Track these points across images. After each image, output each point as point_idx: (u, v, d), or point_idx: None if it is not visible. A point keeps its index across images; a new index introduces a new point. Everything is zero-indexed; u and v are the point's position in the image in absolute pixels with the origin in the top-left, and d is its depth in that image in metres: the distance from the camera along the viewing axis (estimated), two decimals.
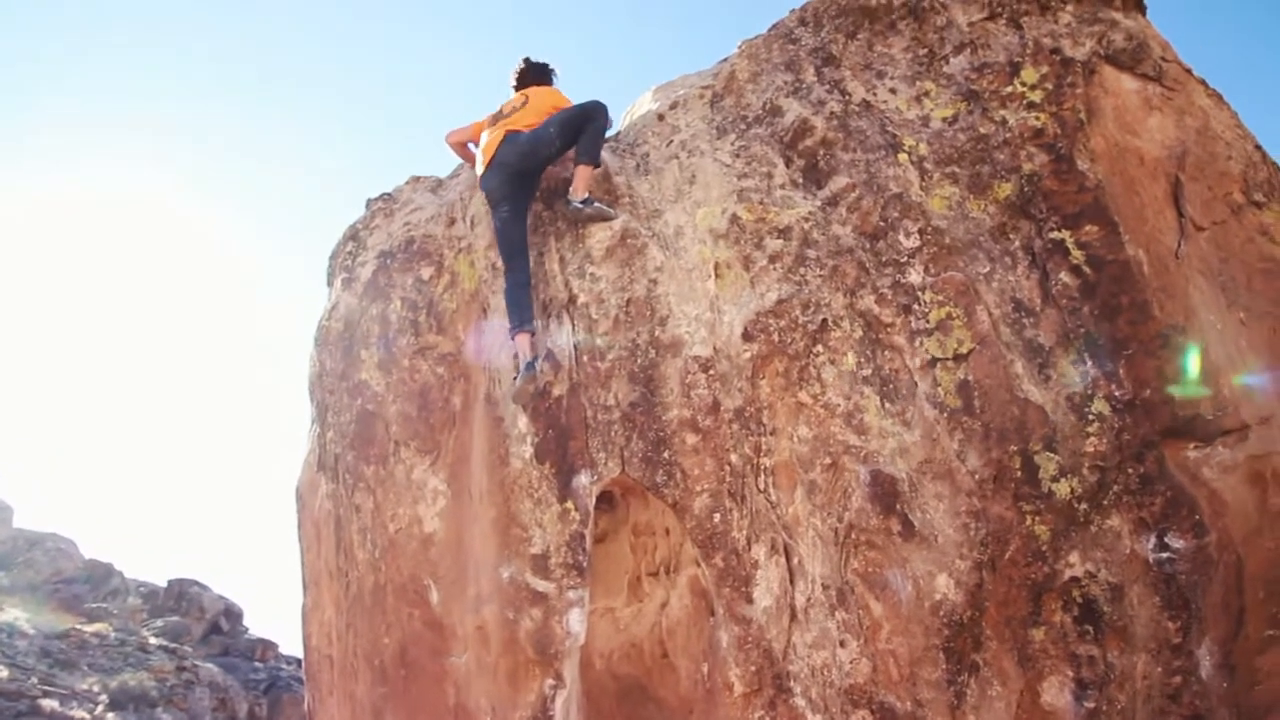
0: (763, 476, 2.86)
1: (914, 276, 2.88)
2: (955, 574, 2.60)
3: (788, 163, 3.23)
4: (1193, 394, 2.58)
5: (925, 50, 3.25)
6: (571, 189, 3.28)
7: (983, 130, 3.01)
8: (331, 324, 3.78)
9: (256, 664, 14.30)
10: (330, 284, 4.02)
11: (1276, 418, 2.65)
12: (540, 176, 3.41)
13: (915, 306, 2.84)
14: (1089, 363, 2.66)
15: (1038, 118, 2.96)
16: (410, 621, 3.21)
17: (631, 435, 2.98)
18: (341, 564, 3.53)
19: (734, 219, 3.13)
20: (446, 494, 3.30)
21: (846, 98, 3.23)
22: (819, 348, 2.88)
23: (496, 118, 3.58)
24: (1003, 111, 3.01)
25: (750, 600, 2.77)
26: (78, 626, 11.97)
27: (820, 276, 2.96)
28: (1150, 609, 2.51)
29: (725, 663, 2.76)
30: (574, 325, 3.17)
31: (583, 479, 2.98)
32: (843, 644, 2.66)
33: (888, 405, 2.78)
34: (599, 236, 3.25)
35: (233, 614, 15.37)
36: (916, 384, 2.78)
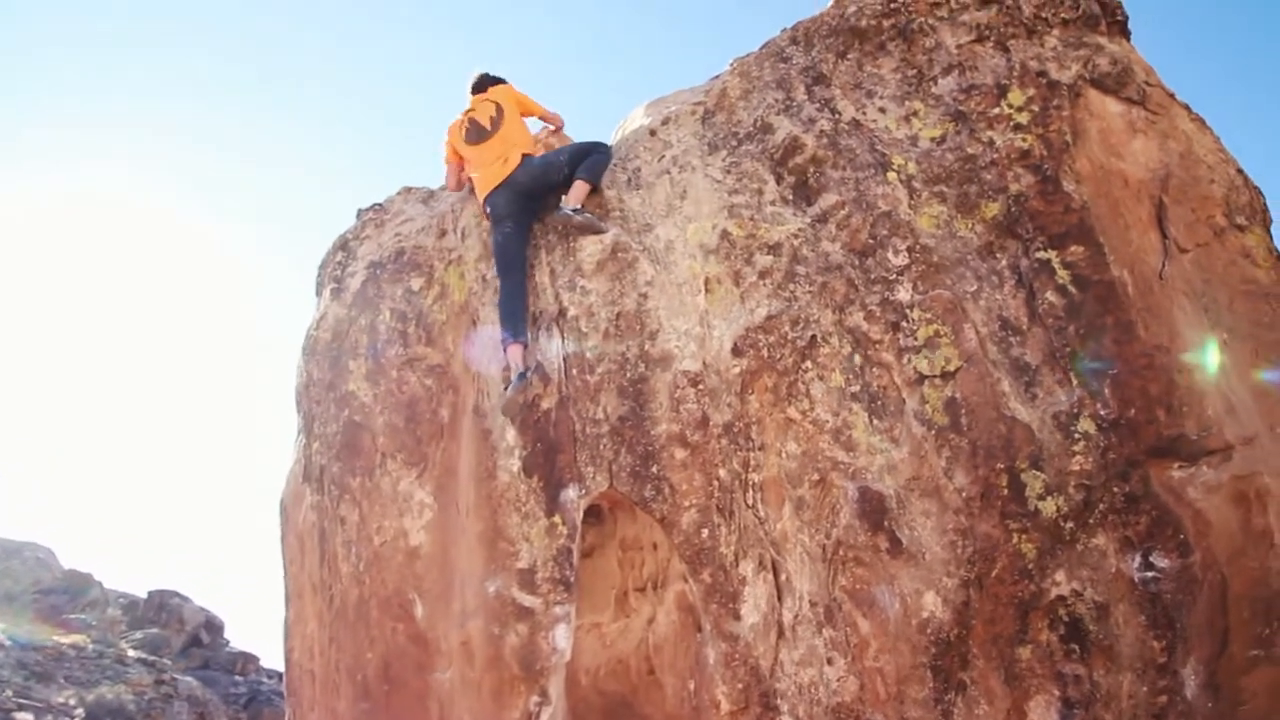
0: (751, 492, 2.86)
1: (902, 294, 2.90)
2: (943, 592, 2.60)
3: (778, 179, 3.26)
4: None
5: (914, 71, 3.30)
6: (565, 198, 3.32)
7: (970, 150, 3.05)
8: (320, 334, 3.76)
9: (237, 678, 14.06)
10: (319, 293, 4.00)
11: (1260, 438, 2.68)
12: (545, 199, 3.45)
13: (903, 324, 2.86)
14: (1075, 382, 2.68)
15: (1024, 139, 3.00)
16: (394, 636, 3.17)
17: (620, 449, 2.97)
18: (325, 577, 3.49)
19: (724, 234, 3.15)
20: (433, 507, 3.28)
21: (836, 116, 3.27)
22: (808, 364, 2.89)
23: (478, 133, 3.62)
24: (990, 132, 3.05)
25: (738, 617, 2.76)
26: (55, 638, 11.74)
27: (810, 293, 2.98)
28: (1136, 628, 2.51)
29: (712, 680, 2.74)
30: (564, 338, 3.17)
31: (570, 493, 2.97)
32: (830, 662, 2.64)
33: (876, 422, 2.79)
34: (590, 250, 3.26)
35: (214, 626, 15.12)
36: (904, 401, 2.79)
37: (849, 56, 3.41)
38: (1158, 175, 3.02)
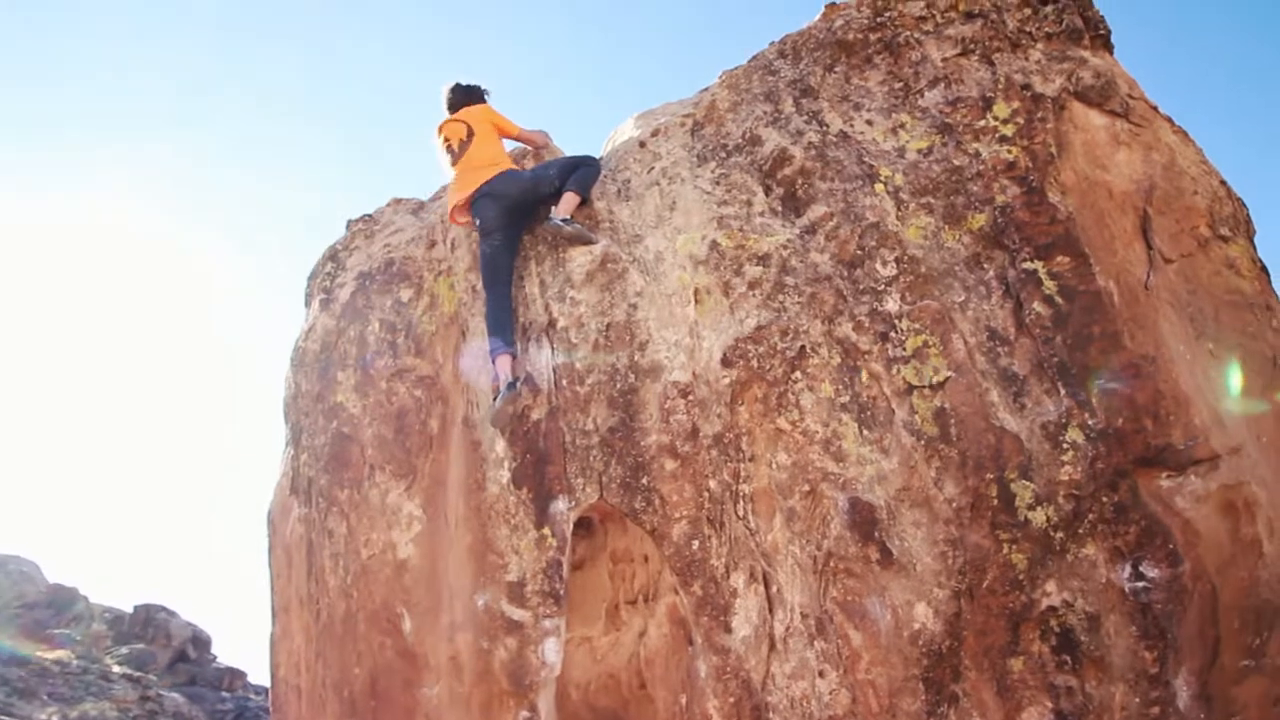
0: (741, 503, 2.85)
1: (891, 304, 2.91)
2: (934, 603, 2.59)
3: (767, 191, 3.27)
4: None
5: (901, 84, 3.33)
6: (555, 209, 3.32)
7: (957, 162, 3.07)
8: (308, 345, 3.74)
9: (224, 694, 13.85)
10: (308, 304, 3.98)
11: (1246, 447, 2.69)
12: (534, 212, 3.44)
13: (892, 334, 2.87)
14: (1062, 391, 2.69)
15: (1010, 151, 3.03)
16: (382, 651, 3.13)
17: (610, 460, 2.95)
18: (312, 591, 3.45)
19: (714, 245, 3.15)
20: (422, 519, 3.25)
21: (824, 128, 3.30)
22: (797, 374, 2.89)
23: (452, 155, 3.60)
24: (976, 144, 3.08)
25: (729, 629, 2.74)
26: (38, 653, 11.54)
27: (799, 303, 2.98)
28: (1127, 639, 2.51)
29: (704, 694, 2.72)
30: (553, 349, 3.16)
31: (560, 505, 2.95)
32: (822, 674, 2.62)
33: (865, 432, 2.78)
34: (579, 260, 3.26)
35: (201, 641, 14.91)
36: (894, 411, 2.80)
37: (836, 69, 3.45)
38: (1142, 187, 3.05)
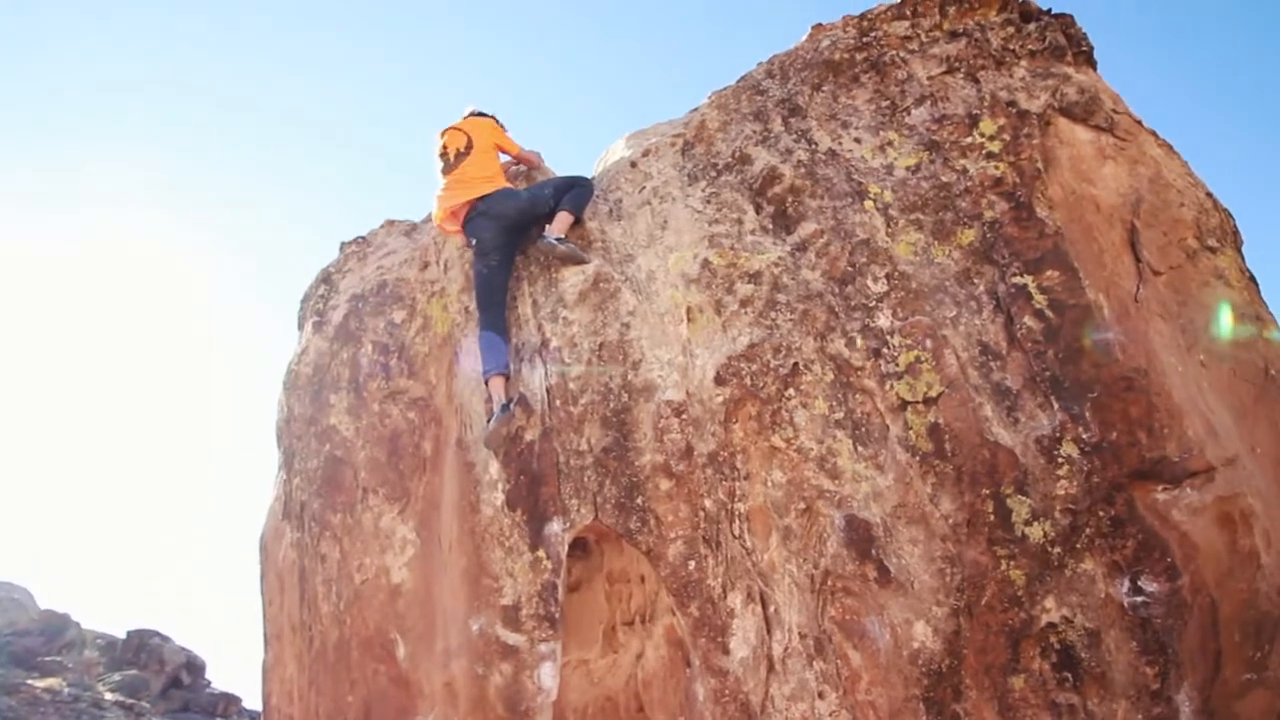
0: (737, 522, 2.83)
1: (882, 320, 2.91)
2: (933, 621, 2.56)
3: (757, 209, 3.29)
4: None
5: (888, 102, 3.36)
6: (549, 228, 3.33)
7: (945, 179, 3.09)
8: (301, 368, 3.72)
9: None
10: (301, 327, 3.97)
11: (1241, 459, 2.68)
12: (530, 231, 3.45)
13: (884, 350, 2.87)
14: (1056, 405, 2.69)
15: (997, 167, 3.06)
16: (375, 678, 3.09)
17: (604, 481, 2.93)
18: (305, 617, 3.40)
19: (705, 264, 3.16)
20: (415, 543, 3.22)
21: (813, 146, 3.32)
22: (791, 391, 2.88)
23: (444, 163, 3.62)
24: (963, 161, 3.10)
25: (727, 651, 2.70)
26: (29, 682, 11.35)
27: (791, 321, 2.99)
28: (1128, 654, 2.48)
29: (702, 717, 2.68)
30: (546, 369, 3.15)
31: (555, 526, 2.92)
32: (821, 695, 2.59)
33: (860, 449, 2.77)
34: (572, 280, 3.27)
35: (195, 667, 14.69)
36: (888, 427, 2.79)
37: (824, 89, 3.48)
38: (1129, 200, 3.07)
